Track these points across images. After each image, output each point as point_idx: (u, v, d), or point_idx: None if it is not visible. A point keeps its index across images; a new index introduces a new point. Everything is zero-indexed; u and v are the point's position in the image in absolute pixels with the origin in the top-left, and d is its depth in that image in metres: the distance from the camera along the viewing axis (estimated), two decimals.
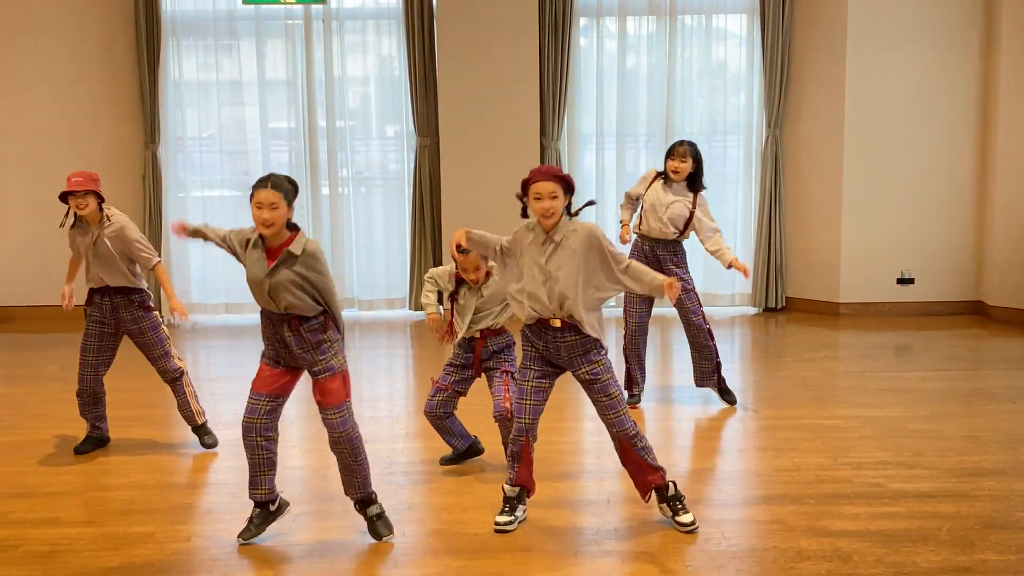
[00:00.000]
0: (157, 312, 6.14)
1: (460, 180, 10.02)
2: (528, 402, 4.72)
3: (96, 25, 10.22)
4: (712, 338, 6.69)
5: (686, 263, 6.75)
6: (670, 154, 6.62)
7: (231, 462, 5.84)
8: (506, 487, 4.79)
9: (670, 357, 8.46)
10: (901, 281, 10.20)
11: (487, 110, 9.96)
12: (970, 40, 9.86)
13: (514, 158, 10.00)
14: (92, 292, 6.04)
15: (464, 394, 5.52)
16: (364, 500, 4.66)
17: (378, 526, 4.64)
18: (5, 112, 10.30)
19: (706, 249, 6.70)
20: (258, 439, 4.59)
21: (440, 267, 5.71)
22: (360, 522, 4.76)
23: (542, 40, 10.03)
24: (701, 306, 6.73)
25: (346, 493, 4.69)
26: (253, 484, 4.64)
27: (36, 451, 6.04)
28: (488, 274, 5.38)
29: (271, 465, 4.64)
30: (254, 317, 10.41)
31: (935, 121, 9.96)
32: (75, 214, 5.97)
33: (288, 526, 4.78)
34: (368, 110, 10.80)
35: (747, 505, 5.03)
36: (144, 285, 6.07)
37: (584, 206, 4.83)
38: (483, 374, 5.49)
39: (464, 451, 5.66)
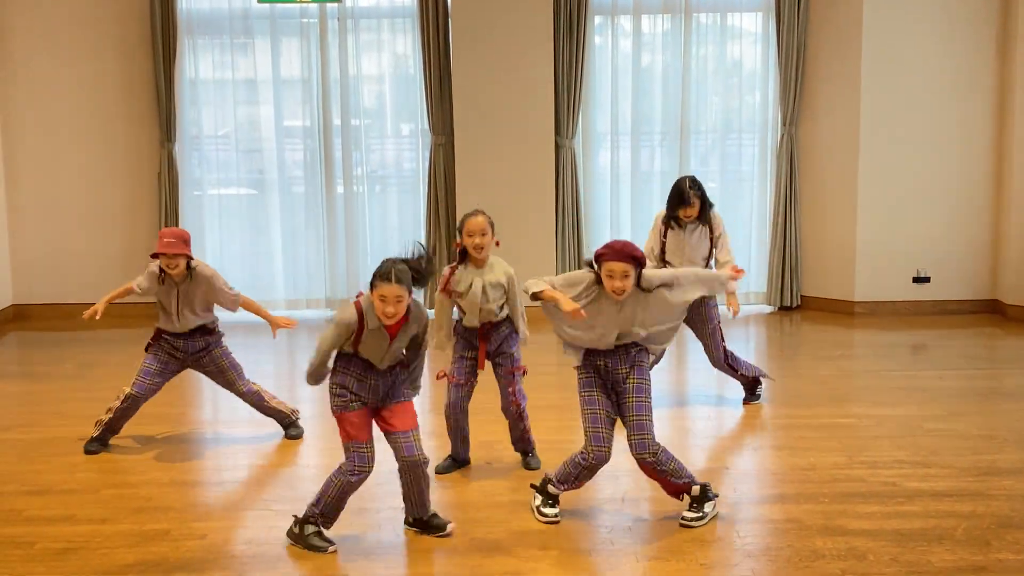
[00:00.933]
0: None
1: (475, 178, 10.02)
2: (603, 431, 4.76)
3: (112, 24, 10.26)
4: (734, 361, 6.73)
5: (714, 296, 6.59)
6: (680, 202, 6.47)
7: (246, 460, 5.86)
8: (554, 487, 4.84)
9: (684, 354, 8.44)
10: (917, 280, 10.16)
11: (502, 108, 9.96)
12: (986, 38, 9.82)
13: (529, 156, 10.01)
14: (161, 332, 6.10)
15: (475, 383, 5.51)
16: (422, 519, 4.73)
17: (432, 526, 4.70)
18: (22, 111, 10.34)
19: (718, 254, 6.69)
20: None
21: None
22: (373, 520, 4.77)
23: (557, 38, 10.02)
24: (723, 340, 6.71)
25: (408, 512, 4.74)
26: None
27: (52, 449, 6.06)
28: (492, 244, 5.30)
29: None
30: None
31: (951, 119, 9.92)
32: (161, 270, 5.97)
33: None
34: (383, 108, 10.81)
35: (762, 504, 5.02)
36: (217, 320, 6.26)
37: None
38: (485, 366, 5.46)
39: (461, 461, 5.63)
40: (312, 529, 4.54)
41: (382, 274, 4.32)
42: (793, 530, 4.65)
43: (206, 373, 6.19)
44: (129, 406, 5.99)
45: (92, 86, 10.33)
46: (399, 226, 10.67)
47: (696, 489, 4.75)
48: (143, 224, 10.50)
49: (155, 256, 5.94)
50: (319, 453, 5.97)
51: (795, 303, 10.46)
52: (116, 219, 10.52)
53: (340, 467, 4.53)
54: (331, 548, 4.50)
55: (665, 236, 6.63)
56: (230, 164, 10.70)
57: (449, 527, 4.67)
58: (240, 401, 6.27)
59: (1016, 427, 6.23)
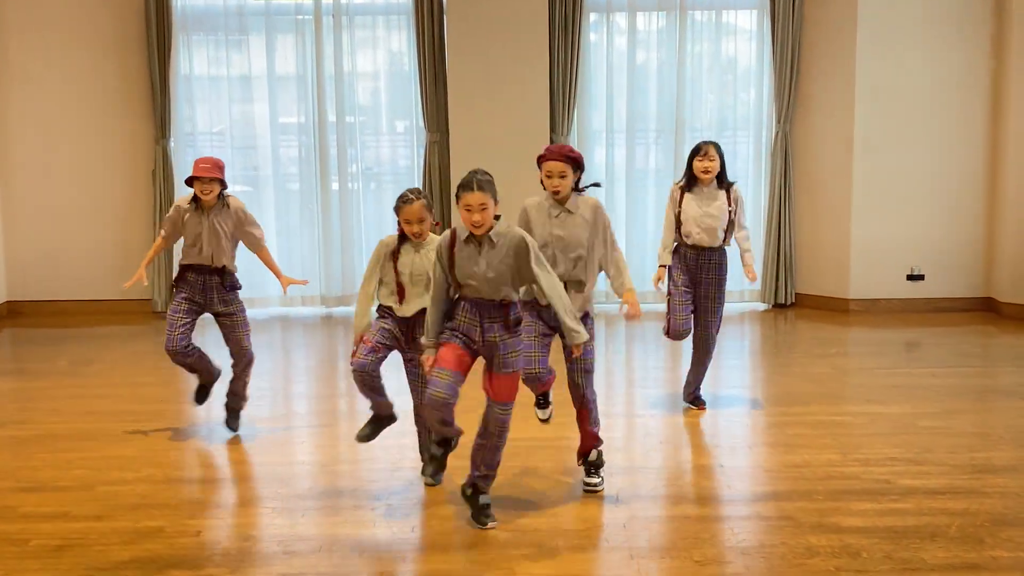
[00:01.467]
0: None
1: None
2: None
3: (107, 20, 10.25)
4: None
5: (726, 274, 6.50)
6: (696, 153, 6.41)
7: (239, 457, 5.86)
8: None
9: (679, 355, 8.45)
10: (911, 277, 10.18)
11: (497, 106, 9.96)
12: (981, 36, 9.83)
13: (524, 154, 9.91)
14: (185, 270, 6.15)
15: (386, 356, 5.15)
16: (483, 480, 4.79)
17: (481, 517, 4.74)
18: (16, 108, 10.33)
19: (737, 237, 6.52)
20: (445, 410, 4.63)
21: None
22: (368, 517, 4.78)
23: (552, 36, 10.02)
24: (720, 322, 6.60)
25: (474, 465, 4.80)
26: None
27: (47, 445, 6.05)
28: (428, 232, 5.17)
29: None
30: (264, 311, 10.49)
31: (945, 117, 9.94)
32: (195, 198, 6.07)
33: (297, 520, 4.80)
34: (378, 105, 10.81)
35: (756, 501, 5.03)
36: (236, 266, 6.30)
37: (590, 186, 5.24)
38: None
39: (385, 418, 5.29)
40: (484, 500, 4.77)
41: (463, 182, 4.59)
42: (787, 527, 4.66)
43: (221, 321, 6.24)
44: (173, 361, 6.12)
45: (87, 82, 10.31)
46: (394, 222, 10.60)
47: (595, 454, 5.18)
48: (137, 221, 10.49)
49: (189, 182, 6.03)
50: (312, 451, 5.97)
51: (790, 301, 10.47)
52: (111, 216, 10.50)
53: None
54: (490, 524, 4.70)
55: (680, 203, 6.45)
56: (225, 161, 10.60)
57: (491, 524, 4.71)
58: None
59: (1010, 424, 6.24)
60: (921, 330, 9.32)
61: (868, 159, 9.97)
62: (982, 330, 9.28)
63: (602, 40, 10.45)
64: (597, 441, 5.21)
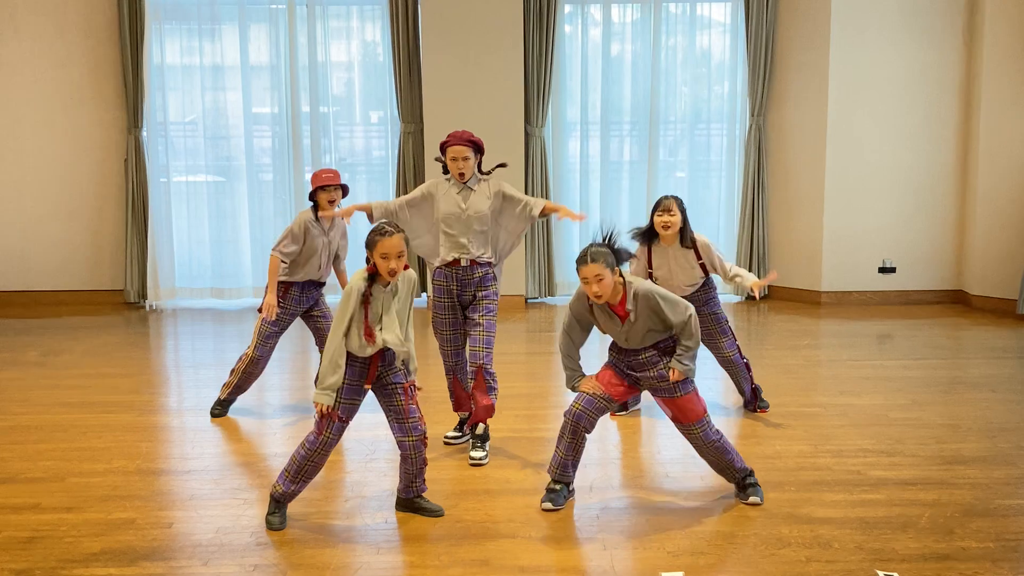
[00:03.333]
0: None
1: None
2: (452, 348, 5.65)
3: (78, 8, 10.17)
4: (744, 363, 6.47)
5: (717, 298, 6.29)
6: (656, 209, 5.96)
7: (212, 449, 5.84)
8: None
9: None
10: (883, 270, 10.25)
11: (471, 97, 9.95)
12: (953, 30, 9.90)
13: (498, 145, 9.96)
14: (290, 287, 6.25)
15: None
16: (744, 480, 4.94)
17: (748, 492, 4.89)
18: None
19: (726, 279, 6.15)
20: (583, 433, 4.80)
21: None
22: (342, 509, 4.77)
23: (527, 27, 10.02)
24: (734, 337, 6.38)
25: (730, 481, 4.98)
26: (562, 468, 4.84)
27: (17, 437, 6.01)
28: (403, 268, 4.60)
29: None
30: (238, 302, 10.45)
31: (918, 110, 10.00)
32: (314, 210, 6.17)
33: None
34: (352, 96, 10.77)
35: (728, 492, 5.04)
36: None
37: (496, 167, 5.76)
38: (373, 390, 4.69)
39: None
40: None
41: (579, 258, 4.59)
42: (759, 518, 4.68)
43: (313, 324, 6.44)
44: (252, 369, 6.30)
45: (57, 71, 10.24)
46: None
47: (482, 428, 5.56)
48: (109, 210, 10.43)
49: (313, 196, 6.12)
50: (286, 442, 5.95)
51: (762, 293, 10.51)
52: (82, 205, 10.43)
53: None
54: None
55: (650, 256, 6.07)
56: (198, 151, 10.63)
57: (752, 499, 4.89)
58: (207, 390, 6.36)
59: (980, 416, 6.29)
60: (893, 322, 9.38)
61: (841, 152, 10.02)
62: (953, 322, 9.34)
63: (577, 32, 10.45)
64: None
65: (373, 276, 4.46)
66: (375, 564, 4.23)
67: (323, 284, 6.42)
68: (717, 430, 4.86)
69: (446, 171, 5.63)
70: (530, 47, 10.09)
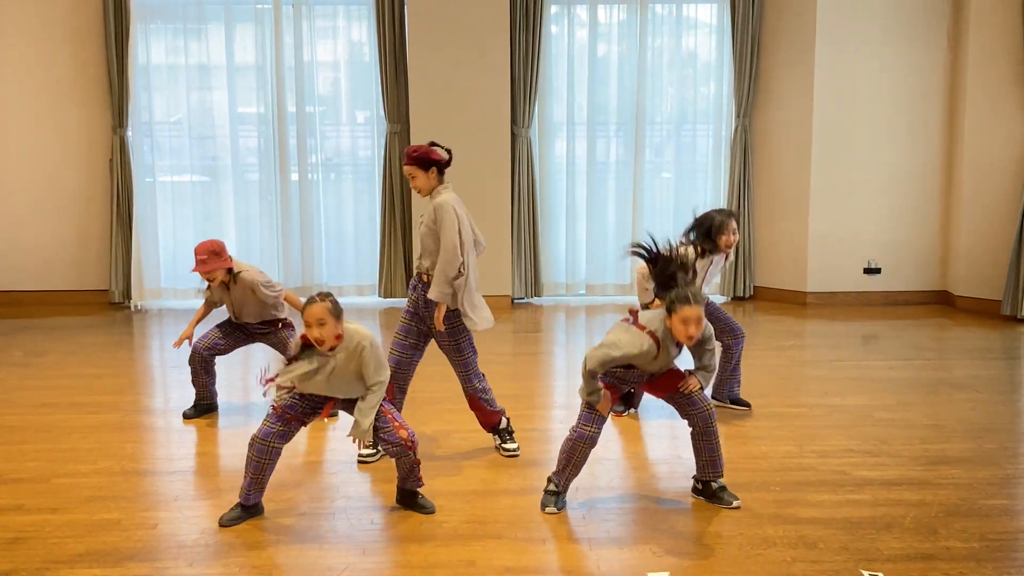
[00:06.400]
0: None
1: None
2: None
3: (63, 8, 10.12)
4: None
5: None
6: (724, 230, 6.02)
7: (198, 449, 5.82)
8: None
9: None
10: (868, 271, 10.28)
11: (458, 97, 9.94)
12: (938, 32, 9.93)
13: (485, 146, 9.99)
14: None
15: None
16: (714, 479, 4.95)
17: (724, 496, 4.88)
18: None
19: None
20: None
21: None
22: (328, 509, 4.77)
23: (513, 27, 10.01)
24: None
25: (701, 474, 4.96)
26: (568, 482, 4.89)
27: (1, 437, 5.98)
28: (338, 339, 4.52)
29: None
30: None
31: (902, 111, 10.04)
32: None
33: None
34: (338, 96, 10.75)
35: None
36: (284, 314, 6.50)
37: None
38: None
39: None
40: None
41: (683, 298, 4.48)
42: (744, 518, 4.69)
43: (271, 345, 6.59)
44: (193, 363, 6.39)
45: (42, 70, 10.19)
46: (354, 214, 10.63)
47: (505, 421, 5.64)
48: (95, 211, 10.39)
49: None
50: None
51: (748, 293, 10.54)
52: (67, 205, 10.39)
53: None
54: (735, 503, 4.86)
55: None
56: (183, 151, 10.60)
57: (735, 503, 4.87)
58: (191, 390, 6.32)
59: (964, 417, 6.32)
60: (878, 323, 9.41)
61: (826, 153, 10.05)
62: (938, 323, 9.38)
63: (563, 32, 10.45)
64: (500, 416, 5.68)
65: (309, 345, 4.53)
66: (361, 565, 4.22)
67: (269, 323, 6.45)
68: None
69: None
70: (516, 47, 10.08)
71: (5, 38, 10.11)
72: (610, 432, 6.10)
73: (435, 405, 6.40)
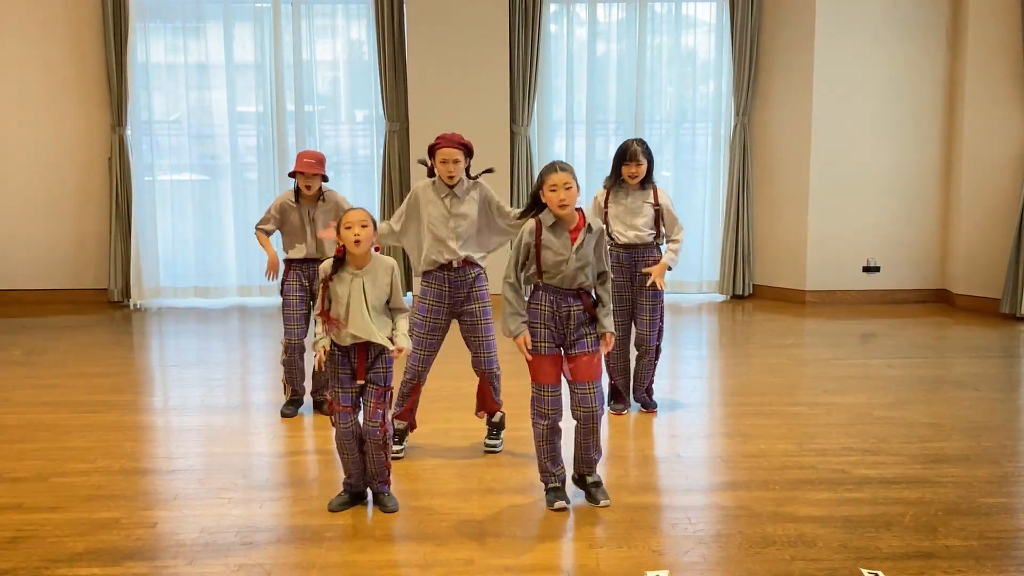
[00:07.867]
0: None
1: None
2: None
3: (63, 7, 10.12)
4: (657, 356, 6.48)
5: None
6: (624, 157, 6.14)
7: (196, 448, 5.82)
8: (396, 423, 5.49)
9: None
10: (867, 269, 10.28)
11: (457, 96, 9.94)
12: (937, 30, 9.93)
13: (484, 144, 9.89)
14: (290, 264, 6.32)
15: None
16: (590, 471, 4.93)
17: (596, 493, 4.87)
18: None
19: (667, 239, 6.31)
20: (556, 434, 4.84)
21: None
22: (327, 507, 4.77)
23: (512, 26, 10.02)
24: (662, 321, 6.38)
25: (576, 467, 4.95)
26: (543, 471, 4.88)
27: (0, 436, 5.98)
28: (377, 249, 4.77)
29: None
30: (222, 302, 10.42)
31: (902, 111, 10.04)
32: (296, 191, 6.22)
33: (255, 511, 4.77)
34: (337, 95, 10.75)
35: (713, 491, 5.06)
36: None
37: (483, 172, 5.61)
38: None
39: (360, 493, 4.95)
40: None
41: (546, 169, 4.65)
42: (743, 517, 4.69)
43: None
44: (291, 357, 6.30)
45: (41, 69, 10.20)
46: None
47: (500, 416, 5.68)
48: (93, 209, 10.39)
49: (292, 175, 6.13)
50: (270, 441, 5.94)
51: (747, 292, 10.54)
52: (66, 204, 10.39)
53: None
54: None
55: (606, 206, 6.25)
56: (182, 149, 10.60)
57: (603, 502, 4.84)
58: (191, 388, 6.30)
59: (963, 415, 6.31)
60: (877, 321, 9.41)
61: (826, 152, 10.05)
62: (936, 321, 9.38)
63: (562, 31, 10.45)
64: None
65: (341, 260, 4.60)
66: (360, 563, 4.22)
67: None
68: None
69: (431, 174, 5.51)
70: (516, 46, 10.08)
71: (5, 37, 10.11)
72: (609, 431, 6.10)
73: (435, 405, 6.40)
